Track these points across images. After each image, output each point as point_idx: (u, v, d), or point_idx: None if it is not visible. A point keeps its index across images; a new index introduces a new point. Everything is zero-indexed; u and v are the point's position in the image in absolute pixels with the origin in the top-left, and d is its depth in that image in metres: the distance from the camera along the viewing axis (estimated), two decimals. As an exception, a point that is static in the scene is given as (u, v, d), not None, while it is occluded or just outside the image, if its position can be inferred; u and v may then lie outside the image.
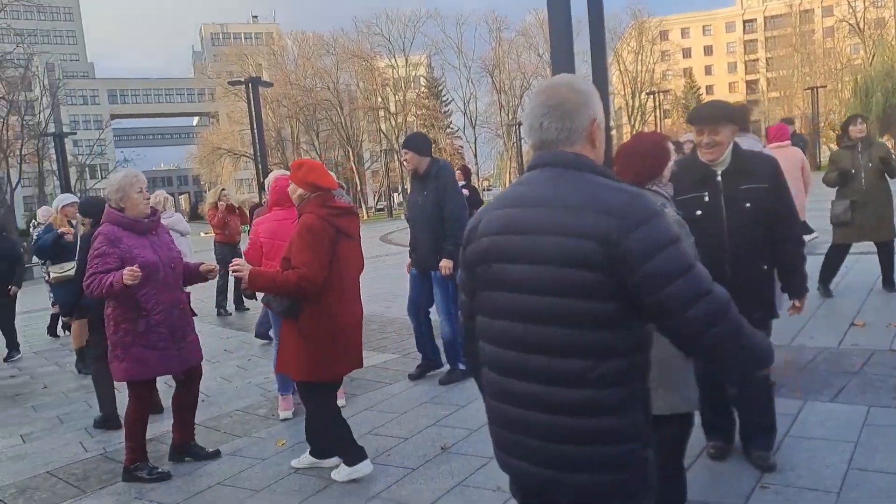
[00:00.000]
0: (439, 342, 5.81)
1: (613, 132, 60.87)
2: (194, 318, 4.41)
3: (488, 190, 62.53)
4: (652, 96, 49.84)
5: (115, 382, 5.22)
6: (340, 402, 5.04)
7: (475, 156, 59.09)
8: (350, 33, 58.32)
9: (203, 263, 4.43)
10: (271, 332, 6.08)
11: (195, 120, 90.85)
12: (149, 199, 4.26)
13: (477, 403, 4.98)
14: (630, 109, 59.87)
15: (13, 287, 8.19)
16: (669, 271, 1.59)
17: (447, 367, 5.74)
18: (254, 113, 24.10)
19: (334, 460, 3.99)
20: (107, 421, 5.27)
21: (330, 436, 3.91)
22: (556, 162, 1.74)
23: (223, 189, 10.73)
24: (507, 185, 54.74)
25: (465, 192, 9.06)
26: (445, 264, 5.40)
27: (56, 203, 7.55)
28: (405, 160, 5.64)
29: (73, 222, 7.18)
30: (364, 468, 3.82)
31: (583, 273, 1.60)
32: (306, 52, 58.57)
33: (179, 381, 4.42)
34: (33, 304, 12.48)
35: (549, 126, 1.75)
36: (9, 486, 4.31)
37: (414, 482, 3.78)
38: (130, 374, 4.09)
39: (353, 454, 3.83)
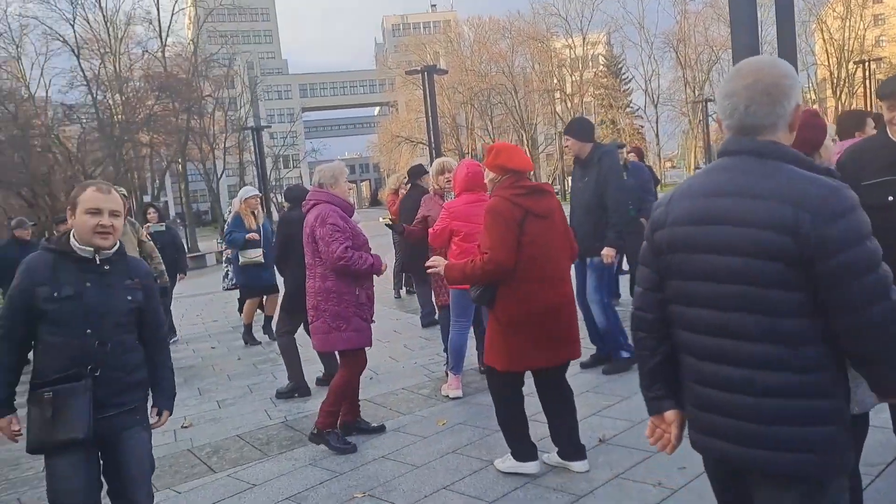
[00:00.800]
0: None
1: (815, 106, 55.71)
2: None
3: (673, 170, 59.79)
4: (861, 66, 44.73)
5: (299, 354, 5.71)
6: (456, 392, 5.15)
7: (657, 135, 56.64)
8: (526, 15, 58.23)
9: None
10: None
11: (376, 110, 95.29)
12: (352, 188, 4.60)
13: (640, 396, 4.81)
14: (835, 81, 54.21)
15: (181, 274, 9.15)
16: (858, 268, 1.58)
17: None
18: (429, 100, 24.89)
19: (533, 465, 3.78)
20: (294, 390, 5.73)
21: (506, 426, 3.79)
22: (757, 150, 1.73)
23: (404, 176, 11.17)
24: (693, 165, 52.22)
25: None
26: (608, 252, 5.28)
27: (241, 195, 8.37)
28: (566, 146, 5.57)
29: (255, 212, 8.12)
30: (531, 468, 3.72)
31: (773, 264, 1.63)
32: (482, 37, 59.27)
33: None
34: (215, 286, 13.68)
35: (757, 111, 1.73)
36: (205, 445, 4.83)
37: (570, 471, 3.73)
38: (353, 343, 4.41)
39: (524, 452, 3.75)
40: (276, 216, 21.16)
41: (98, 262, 2.67)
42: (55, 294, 2.58)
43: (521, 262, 3.50)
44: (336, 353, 4.73)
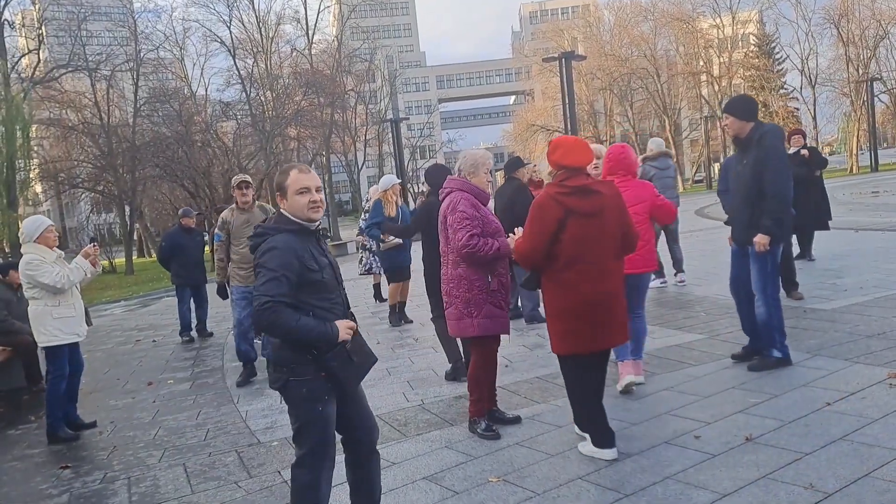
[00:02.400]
0: None
1: None
2: None
3: (831, 155, 55.26)
4: None
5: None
6: (639, 378, 4.98)
7: (814, 118, 52.45)
8: (670, -4, 55.61)
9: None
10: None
11: (511, 99, 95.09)
12: (491, 180, 4.67)
13: (794, 394, 4.55)
14: None
15: None
16: None
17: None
18: (566, 87, 24.55)
19: (611, 452, 3.88)
20: (457, 371, 5.82)
21: (582, 412, 3.99)
22: None
23: (534, 165, 11.15)
24: (855, 149, 48.04)
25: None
26: (761, 240, 4.96)
27: (383, 183, 8.73)
28: (726, 125, 5.30)
29: (395, 199, 8.61)
30: (608, 454, 3.84)
31: None
32: (623, 21, 57.37)
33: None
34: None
35: None
36: (348, 422, 5.07)
37: (713, 468, 3.59)
38: (485, 329, 4.45)
39: (602, 437, 3.87)
40: (412, 204, 21.72)
41: (317, 233, 3.04)
42: (316, 265, 2.91)
43: (562, 257, 3.76)
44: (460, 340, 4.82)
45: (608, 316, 3.86)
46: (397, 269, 8.66)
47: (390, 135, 38.11)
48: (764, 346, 5.23)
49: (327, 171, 43.07)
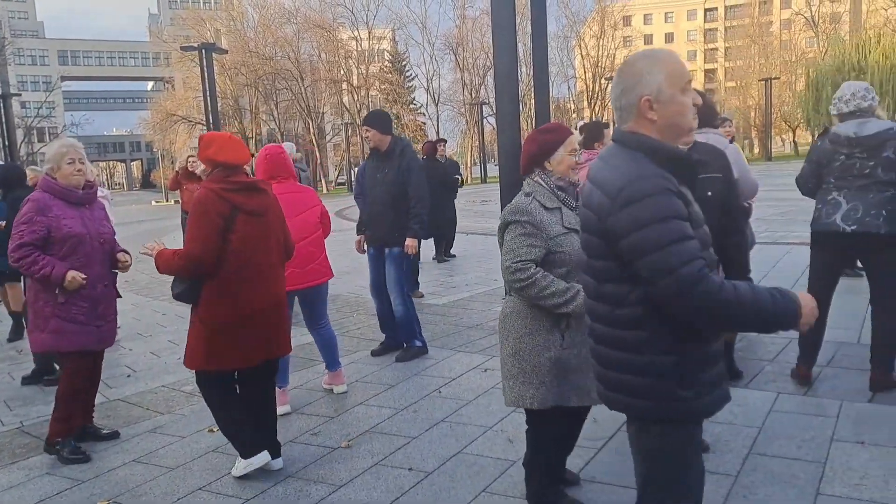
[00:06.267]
0: None
1: (574, 116, 60.99)
2: (118, 298, 4.34)
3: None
4: (611, 82, 50.02)
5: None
6: (341, 388, 4.96)
7: (437, 133, 58.76)
8: (312, 2, 57.19)
9: (123, 251, 4.34)
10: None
11: (149, 85, 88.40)
12: (81, 170, 4.12)
13: (407, 383, 5.03)
14: (590, 94, 60.10)
15: None
16: (644, 247, 1.80)
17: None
18: (207, 80, 23.62)
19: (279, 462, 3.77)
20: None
21: (225, 428, 3.68)
22: (615, 138, 2.00)
23: (191, 155, 10.44)
24: (470, 162, 54.81)
25: None
26: (411, 243, 5.50)
27: None
28: (367, 136, 5.61)
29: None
30: (258, 460, 3.61)
31: (592, 238, 1.96)
32: (267, 20, 57.25)
33: None
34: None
35: (616, 102, 2.00)
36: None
37: (332, 462, 3.80)
38: (48, 346, 3.99)
39: (247, 446, 3.62)
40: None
41: None
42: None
43: (229, 261, 3.43)
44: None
45: (278, 324, 3.70)
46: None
47: (-3, 111, 32.41)
48: (406, 339, 5.74)
49: None
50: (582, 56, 60.88)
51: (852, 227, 4.13)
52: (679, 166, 1.92)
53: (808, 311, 1.86)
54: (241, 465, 3.64)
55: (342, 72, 57.85)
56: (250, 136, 53.68)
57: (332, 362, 4.97)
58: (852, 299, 5.89)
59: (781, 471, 3.33)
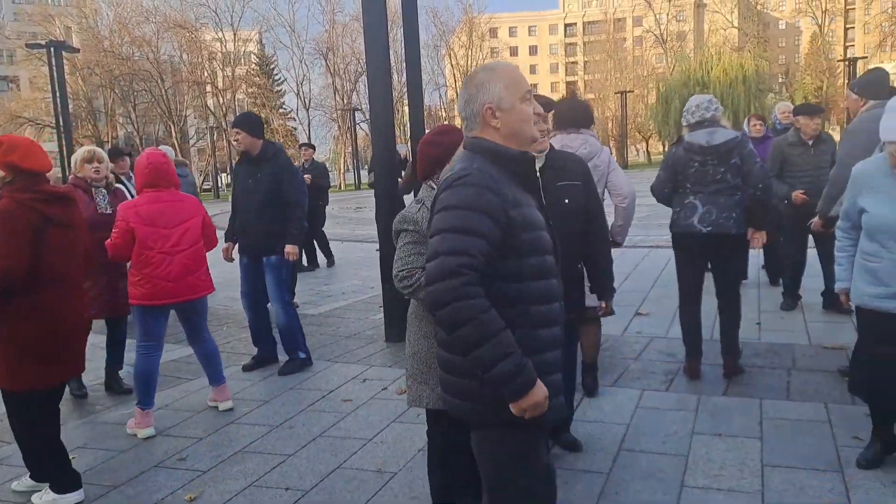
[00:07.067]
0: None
1: (446, 123, 62.20)
2: None
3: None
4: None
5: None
6: (227, 404, 4.70)
7: (308, 138, 57.74)
8: (173, 1, 54.58)
9: None
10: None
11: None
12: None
13: (282, 398, 4.87)
14: (461, 102, 61.24)
15: None
16: (434, 226, 1.92)
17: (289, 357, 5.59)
18: (56, 80, 21.97)
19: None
20: None
21: (40, 457, 3.39)
22: (465, 144, 2.07)
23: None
24: (342, 169, 54.35)
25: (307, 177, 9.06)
26: (291, 250, 5.29)
27: None
28: (236, 140, 5.35)
29: None
30: (74, 498, 3.38)
31: None
32: (123, 18, 54.02)
33: None
34: None
35: (463, 112, 2.08)
36: None
37: (203, 485, 3.59)
38: None
39: (66, 481, 3.39)
40: None
41: None
42: None
43: (45, 273, 3.25)
44: None
45: (82, 340, 3.54)
46: None
47: None
48: (289, 350, 5.53)
49: None
50: (452, 65, 62.06)
51: (708, 229, 4.48)
52: (518, 168, 2.02)
53: (532, 402, 1.85)
54: (50, 498, 3.39)
55: (206, 74, 55.63)
56: (105, 139, 50.38)
57: (215, 377, 4.75)
58: (705, 298, 6.32)
59: (649, 466, 3.51)
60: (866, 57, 47.18)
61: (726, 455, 3.57)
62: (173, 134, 52.56)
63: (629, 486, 3.31)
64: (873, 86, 4.54)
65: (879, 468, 3.30)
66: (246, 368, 5.58)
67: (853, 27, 77.28)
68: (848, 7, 73.80)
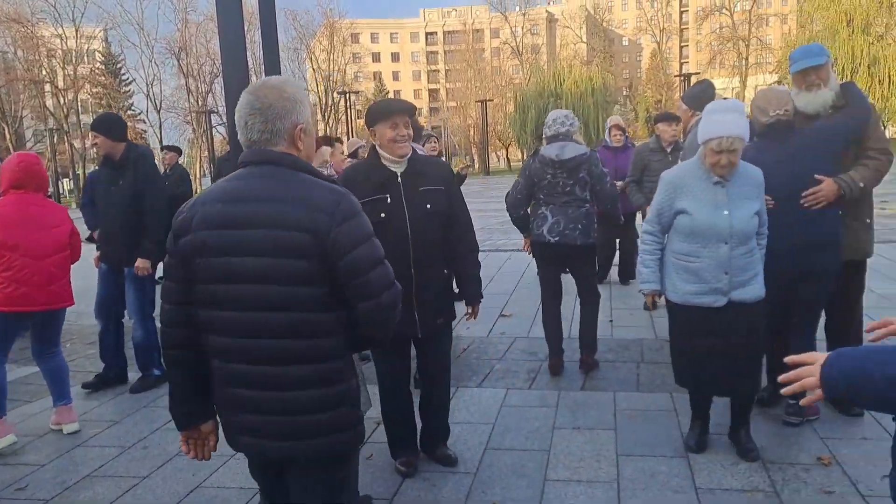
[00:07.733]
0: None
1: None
2: None
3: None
4: (344, 96, 50.87)
5: None
6: (73, 426, 4.35)
7: (160, 142, 54.67)
8: (5, -6, 49.92)
9: None
10: None
11: None
12: None
13: (134, 418, 4.57)
14: (324, 107, 60.51)
15: None
16: (366, 262, 1.84)
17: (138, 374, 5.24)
18: None
19: None
20: None
21: None
22: (265, 160, 1.89)
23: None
24: (199, 174, 51.92)
25: None
26: (142, 265, 4.95)
27: None
28: (95, 143, 4.97)
29: None
30: None
31: (299, 262, 1.79)
32: (-55, 9, 48.83)
33: None
34: None
35: (254, 126, 1.89)
36: None
37: (44, 517, 3.31)
38: None
39: None
40: None
41: None
42: None
43: None
44: None
45: None
46: None
47: None
48: (143, 367, 5.19)
49: None
50: (314, 69, 61.10)
51: (555, 239, 4.75)
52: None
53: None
54: None
55: (45, 72, 51.37)
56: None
57: (62, 395, 4.43)
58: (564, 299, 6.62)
59: (514, 462, 3.61)
60: (699, 73, 51.56)
61: (584, 447, 3.75)
62: (7, 136, 48.10)
63: (495, 484, 3.39)
64: (700, 98, 4.93)
65: (720, 452, 3.59)
66: (86, 386, 5.16)
67: (687, 45, 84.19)
68: (682, 27, 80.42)
